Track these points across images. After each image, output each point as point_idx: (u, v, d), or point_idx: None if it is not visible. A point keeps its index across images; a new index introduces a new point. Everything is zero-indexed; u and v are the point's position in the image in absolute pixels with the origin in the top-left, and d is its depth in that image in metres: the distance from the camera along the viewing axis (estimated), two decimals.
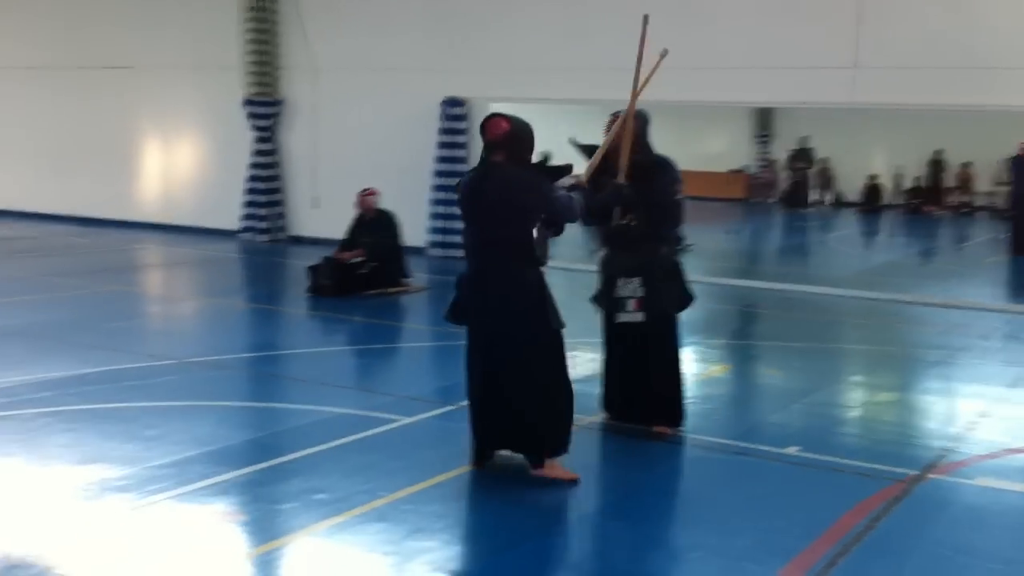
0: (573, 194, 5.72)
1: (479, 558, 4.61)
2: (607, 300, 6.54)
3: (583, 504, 5.47)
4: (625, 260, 6.44)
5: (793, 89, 13.31)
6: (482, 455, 5.79)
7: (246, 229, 16.79)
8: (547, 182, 5.55)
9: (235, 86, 16.60)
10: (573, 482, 5.58)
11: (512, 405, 5.60)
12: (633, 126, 6.31)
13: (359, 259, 11.65)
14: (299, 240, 16.43)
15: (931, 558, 4.77)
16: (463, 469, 5.77)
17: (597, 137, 6.57)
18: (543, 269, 5.60)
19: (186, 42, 17.32)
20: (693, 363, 8.98)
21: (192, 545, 4.68)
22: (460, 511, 5.15)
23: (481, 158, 5.66)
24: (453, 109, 15.17)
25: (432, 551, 4.66)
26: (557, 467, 5.64)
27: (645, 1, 13.42)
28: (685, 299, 6.58)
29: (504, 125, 5.53)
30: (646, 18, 6.55)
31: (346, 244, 11.91)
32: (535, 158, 5.68)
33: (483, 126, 5.59)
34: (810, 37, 12.97)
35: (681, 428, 6.60)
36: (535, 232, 5.49)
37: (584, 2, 14.37)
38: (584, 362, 7.75)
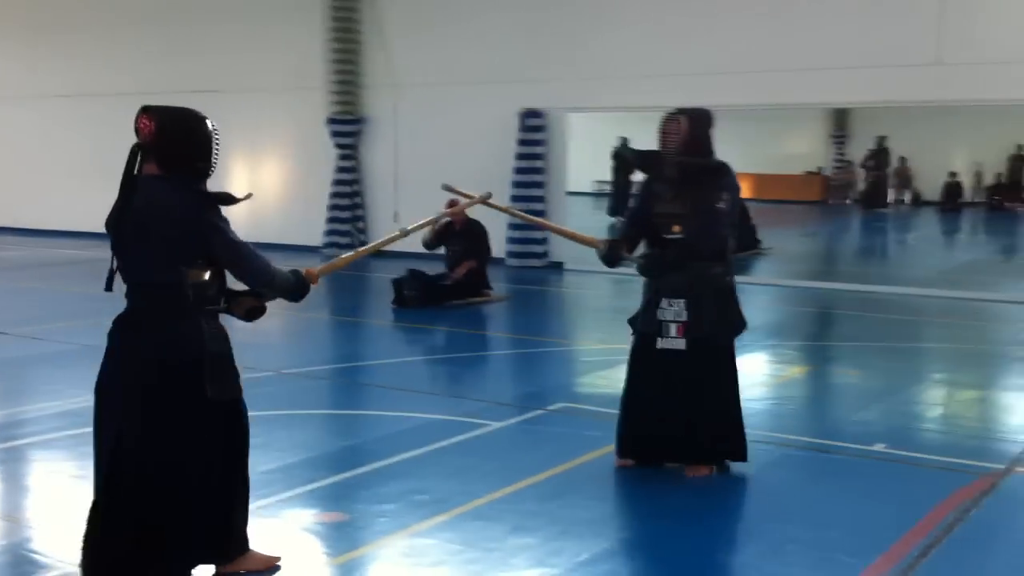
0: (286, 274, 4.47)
1: (578, 553, 4.79)
2: (647, 322, 5.81)
3: (675, 501, 5.60)
4: (671, 278, 5.72)
5: (875, 88, 13.34)
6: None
7: (329, 244, 17.20)
8: (210, 209, 4.18)
9: (318, 105, 17.10)
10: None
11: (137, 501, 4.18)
12: (683, 128, 5.68)
13: (467, 269, 11.91)
14: (380, 253, 16.76)
15: None
16: (556, 470, 5.95)
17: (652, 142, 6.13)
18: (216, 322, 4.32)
19: (271, 65, 17.83)
20: (771, 365, 9.10)
21: (303, 545, 4.93)
22: (556, 509, 5.32)
23: (127, 168, 4.16)
24: (531, 120, 15.42)
25: (533, 547, 4.85)
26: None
27: (722, 5, 13.54)
28: (736, 325, 5.83)
29: (148, 123, 4.14)
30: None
31: (449, 260, 12.13)
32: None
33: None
34: (891, 34, 12.99)
35: (714, 470, 5.90)
36: (200, 275, 4.18)
37: (658, 9, 14.57)
38: None
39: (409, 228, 5.41)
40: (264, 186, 18.38)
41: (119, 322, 4.25)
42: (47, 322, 10.77)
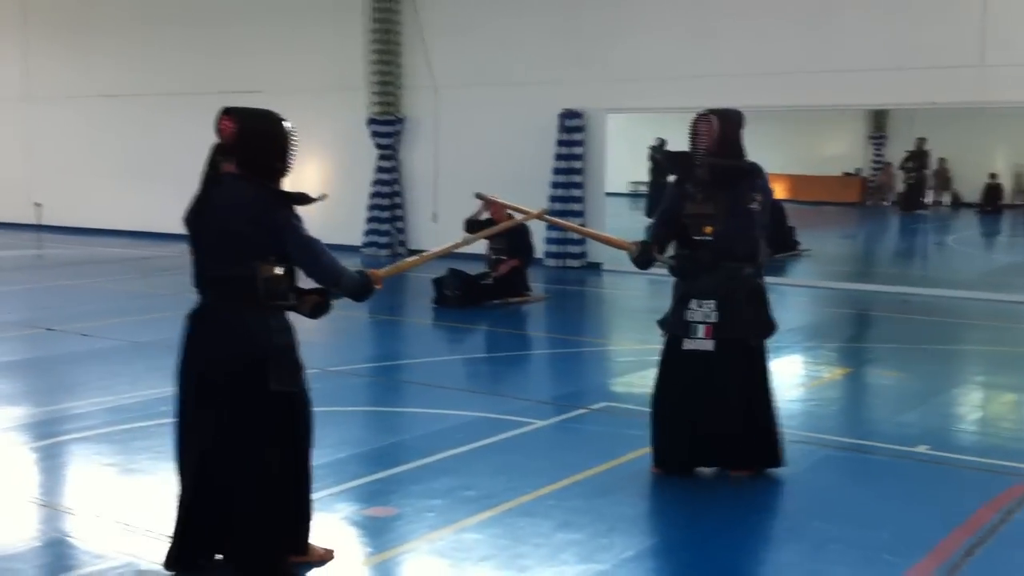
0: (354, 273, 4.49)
1: (624, 549, 4.87)
2: (674, 324, 5.80)
3: (719, 500, 5.66)
4: (701, 279, 5.71)
5: (918, 90, 13.32)
6: (184, 562, 4.45)
7: (369, 244, 17.37)
8: (285, 207, 4.34)
9: (359, 106, 17.27)
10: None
11: (228, 494, 4.37)
12: (715, 128, 5.63)
13: (511, 268, 12.02)
14: (419, 253, 16.90)
15: None
16: (600, 468, 6.03)
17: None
18: (284, 316, 4.45)
19: (313, 66, 18.04)
20: (811, 366, 9.13)
21: (354, 539, 5.05)
22: (603, 506, 5.40)
23: (207, 166, 4.42)
24: (570, 121, 15.50)
25: (581, 543, 4.93)
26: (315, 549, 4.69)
27: (763, 6, 13.57)
28: (767, 327, 5.78)
29: (230, 124, 4.32)
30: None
31: (491, 259, 12.22)
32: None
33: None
34: (933, 35, 12.97)
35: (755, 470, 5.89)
36: (272, 270, 4.32)
37: (699, 10, 14.61)
38: None
39: (472, 235, 5.78)
40: (306, 185, 18.33)
41: (192, 316, 4.44)
42: (95, 319, 10.96)
